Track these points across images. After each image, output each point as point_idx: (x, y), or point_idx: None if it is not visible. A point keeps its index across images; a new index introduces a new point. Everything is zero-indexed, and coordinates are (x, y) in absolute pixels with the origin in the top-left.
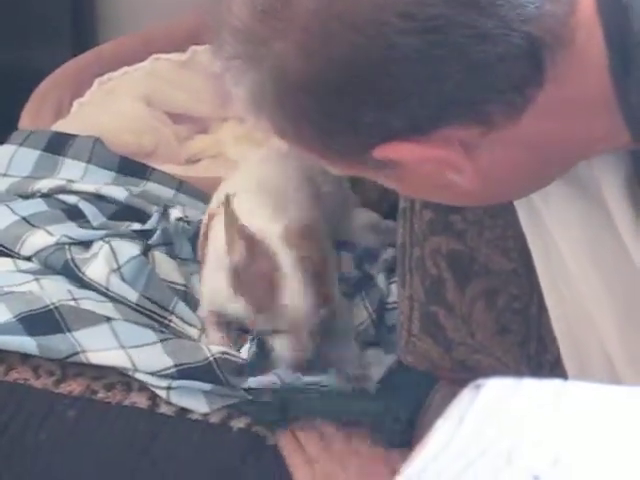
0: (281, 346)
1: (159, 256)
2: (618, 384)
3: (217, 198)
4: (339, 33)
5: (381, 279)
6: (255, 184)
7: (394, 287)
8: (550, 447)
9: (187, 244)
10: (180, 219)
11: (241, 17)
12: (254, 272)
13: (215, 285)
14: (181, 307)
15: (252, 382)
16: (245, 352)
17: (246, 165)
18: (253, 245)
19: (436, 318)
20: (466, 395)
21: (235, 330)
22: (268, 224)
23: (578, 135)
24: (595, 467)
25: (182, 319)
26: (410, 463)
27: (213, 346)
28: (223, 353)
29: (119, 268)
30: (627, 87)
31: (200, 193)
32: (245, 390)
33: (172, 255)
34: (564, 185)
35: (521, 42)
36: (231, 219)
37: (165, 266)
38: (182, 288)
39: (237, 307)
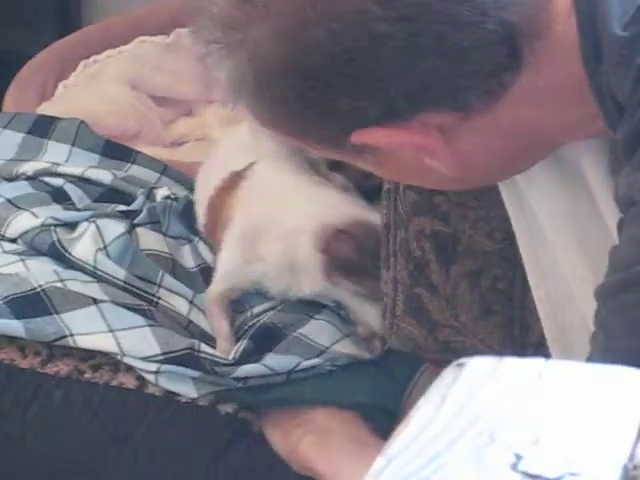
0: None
1: (143, 231)
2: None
3: (223, 172)
4: (315, 19)
5: None
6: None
7: None
8: (531, 426)
9: (175, 221)
10: (167, 197)
11: (218, 3)
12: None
13: (240, 256)
14: (168, 279)
15: (241, 372)
16: (233, 353)
17: (235, 139)
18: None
19: (420, 300)
20: (448, 374)
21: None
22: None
23: (555, 122)
24: (576, 446)
25: (170, 290)
26: (391, 443)
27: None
28: (210, 355)
29: (105, 247)
30: (600, 75)
31: (184, 177)
32: (234, 378)
33: (159, 232)
34: (547, 166)
35: (497, 29)
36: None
37: (150, 239)
38: (168, 256)
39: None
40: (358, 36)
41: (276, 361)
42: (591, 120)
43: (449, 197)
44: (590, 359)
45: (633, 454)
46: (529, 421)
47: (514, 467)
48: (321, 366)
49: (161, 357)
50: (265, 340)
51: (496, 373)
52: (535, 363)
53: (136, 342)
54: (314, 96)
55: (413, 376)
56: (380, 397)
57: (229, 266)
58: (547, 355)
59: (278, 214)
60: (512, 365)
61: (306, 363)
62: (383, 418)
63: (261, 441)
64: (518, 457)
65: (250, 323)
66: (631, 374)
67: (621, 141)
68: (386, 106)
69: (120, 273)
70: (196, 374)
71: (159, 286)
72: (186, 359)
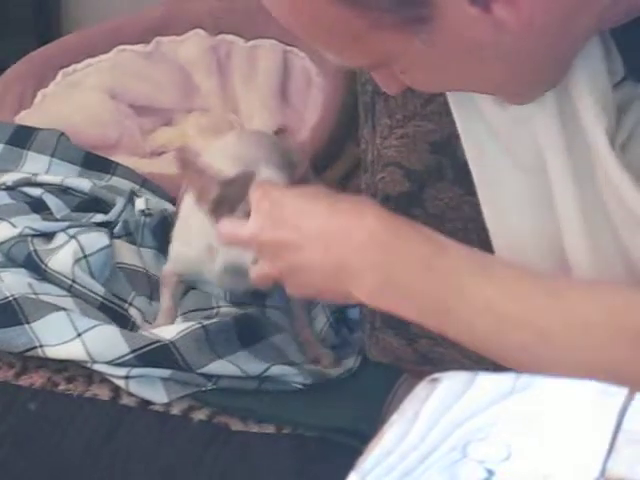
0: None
1: (119, 244)
2: None
3: None
4: None
5: None
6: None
7: None
8: (503, 442)
9: (149, 235)
10: (142, 211)
11: None
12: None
13: (185, 245)
14: (139, 300)
15: (213, 368)
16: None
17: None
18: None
19: None
20: (421, 390)
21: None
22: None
23: None
24: (547, 461)
25: (140, 311)
26: (364, 458)
27: (169, 332)
28: (181, 332)
29: (86, 257)
30: None
31: (163, 190)
32: (205, 376)
33: (134, 244)
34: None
35: None
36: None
37: (125, 252)
38: (142, 270)
39: (205, 268)
40: None
41: (247, 361)
42: None
43: (426, 209)
44: None
45: (604, 469)
46: (501, 437)
47: None
48: (293, 377)
49: (131, 356)
50: (246, 328)
51: (470, 389)
52: (508, 378)
53: (104, 343)
54: None
55: (387, 396)
56: (353, 420)
57: (177, 258)
58: None
59: None
60: (485, 380)
61: (276, 368)
62: (355, 440)
63: (243, 442)
64: (490, 472)
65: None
66: (602, 389)
67: None
68: None
69: (99, 289)
70: (167, 373)
71: (130, 304)
72: (156, 355)
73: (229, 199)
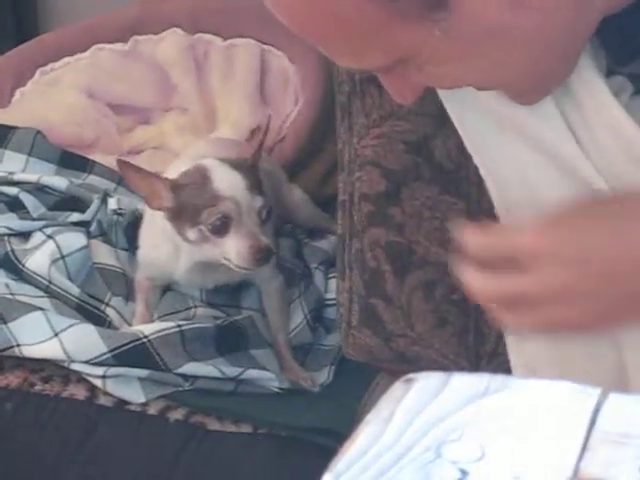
0: (233, 243)
1: (96, 244)
2: None
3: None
4: None
5: (319, 276)
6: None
7: (333, 282)
8: (476, 442)
9: (122, 235)
10: (114, 211)
11: None
12: (185, 189)
13: (152, 249)
14: (115, 300)
15: (190, 368)
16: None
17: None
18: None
19: (375, 310)
20: (396, 390)
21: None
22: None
23: None
24: (520, 462)
25: (117, 311)
26: (339, 458)
27: (146, 327)
28: (158, 332)
29: (63, 257)
30: None
31: None
32: (182, 376)
33: (111, 244)
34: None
35: None
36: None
37: (102, 252)
38: (120, 271)
39: (170, 268)
40: None
41: (223, 365)
42: None
43: (404, 208)
44: None
45: (577, 469)
46: (475, 437)
47: None
48: (269, 381)
49: (108, 355)
50: (227, 338)
51: (444, 389)
52: (482, 379)
53: (82, 342)
54: None
55: (363, 396)
56: (329, 420)
57: (146, 261)
58: (502, 365)
59: None
60: (460, 381)
61: (253, 372)
62: (331, 440)
63: (219, 442)
64: (464, 473)
65: (195, 325)
66: (577, 389)
67: None
68: None
69: (74, 289)
70: (145, 373)
71: (107, 305)
72: (134, 354)
73: (188, 206)
